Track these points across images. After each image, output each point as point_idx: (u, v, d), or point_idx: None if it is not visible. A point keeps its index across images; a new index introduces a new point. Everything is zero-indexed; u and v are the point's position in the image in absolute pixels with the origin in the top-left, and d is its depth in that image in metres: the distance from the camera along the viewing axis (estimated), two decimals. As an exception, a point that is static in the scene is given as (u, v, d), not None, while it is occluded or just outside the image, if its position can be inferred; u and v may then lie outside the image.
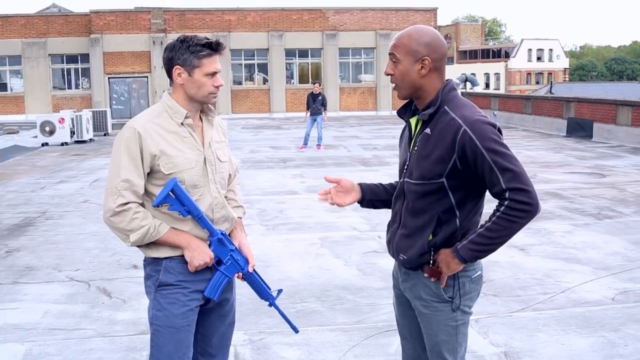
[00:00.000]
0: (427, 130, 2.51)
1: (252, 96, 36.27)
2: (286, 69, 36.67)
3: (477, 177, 2.44)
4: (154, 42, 34.12)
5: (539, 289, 5.86)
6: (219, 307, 2.92)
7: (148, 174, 2.67)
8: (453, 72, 59.95)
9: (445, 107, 2.49)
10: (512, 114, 26.34)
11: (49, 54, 34.42)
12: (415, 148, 2.55)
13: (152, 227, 2.64)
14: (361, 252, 7.15)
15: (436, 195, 2.50)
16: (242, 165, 14.99)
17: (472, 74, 49.17)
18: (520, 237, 7.73)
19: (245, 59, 36.32)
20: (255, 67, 36.88)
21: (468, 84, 38.91)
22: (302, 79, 36.75)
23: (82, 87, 35.48)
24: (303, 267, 6.68)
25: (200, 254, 2.71)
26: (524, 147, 18.07)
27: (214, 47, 2.69)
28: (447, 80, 2.57)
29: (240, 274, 2.88)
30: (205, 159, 2.77)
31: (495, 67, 76.84)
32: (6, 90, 35.29)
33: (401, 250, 2.60)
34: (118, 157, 2.64)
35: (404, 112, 2.68)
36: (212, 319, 2.94)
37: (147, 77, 34.62)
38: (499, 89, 71.84)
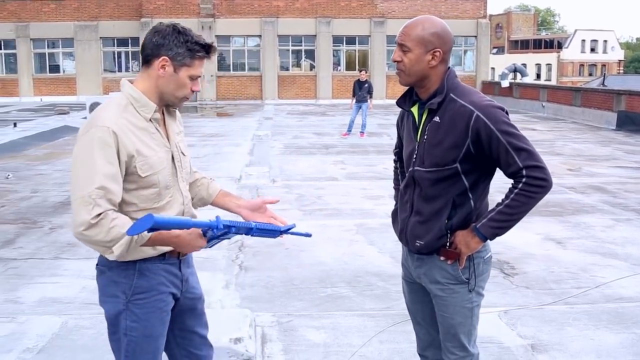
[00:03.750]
0: (436, 119, 2.56)
1: (299, 82, 36.33)
2: (333, 55, 36.62)
3: (490, 160, 2.51)
4: (202, 27, 34.39)
5: (572, 283, 5.79)
6: (192, 308, 2.72)
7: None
8: (504, 62, 58.89)
9: (452, 95, 2.55)
10: (560, 105, 25.82)
11: (100, 37, 35.05)
12: (425, 137, 2.59)
13: None
14: (395, 239, 7.04)
15: (450, 181, 2.56)
16: (285, 150, 15.09)
17: (523, 64, 48.40)
18: (558, 230, 7.65)
19: (292, 45, 36.35)
20: (303, 53, 36.91)
21: (518, 75, 38.32)
22: (349, 66, 36.65)
23: (132, 70, 36.04)
24: (336, 253, 6.72)
25: (190, 249, 2.48)
26: (571, 139, 17.73)
27: (209, 51, 2.48)
28: (448, 67, 2.61)
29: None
30: (172, 155, 2.53)
31: (547, 57, 75.27)
32: (59, 72, 36.13)
33: (417, 237, 2.65)
34: (90, 160, 2.29)
35: (404, 102, 2.72)
36: (188, 321, 2.72)
37: (195, 61, 34.98)
38: (550, 80, 70.41)
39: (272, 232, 2.57)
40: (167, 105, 2.57)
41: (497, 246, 6.63)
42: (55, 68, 36.17)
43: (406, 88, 2.70)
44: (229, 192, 2.85)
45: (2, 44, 35.57)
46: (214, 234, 2.39)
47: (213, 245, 2.50)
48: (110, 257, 2.37)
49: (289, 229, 2.62)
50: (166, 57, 2.40)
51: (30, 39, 35.24)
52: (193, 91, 2.50)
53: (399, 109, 2.79)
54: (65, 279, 5.86)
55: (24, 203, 9.15)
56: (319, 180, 11.25)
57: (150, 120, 2.45)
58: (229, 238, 2.50)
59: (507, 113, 2.51)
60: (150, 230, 2.21)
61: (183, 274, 2.61)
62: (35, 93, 35.39)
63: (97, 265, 2.53)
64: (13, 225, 7.87)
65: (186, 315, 2.69)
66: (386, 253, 6.65)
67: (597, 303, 5.29)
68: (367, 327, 4.76)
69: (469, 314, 2.66)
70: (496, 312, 4.99)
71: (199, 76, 2.49)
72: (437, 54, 2.53)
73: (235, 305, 5.22)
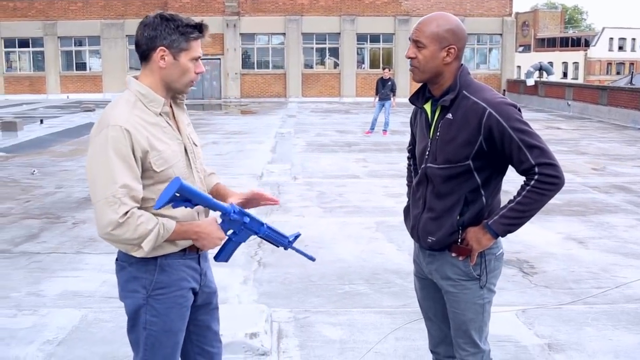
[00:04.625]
0: (449, 116, 2.56)
1: (323, 80, 36.37)
2: (357, 53, 36.58)
3: (502, 157, 2.51)
4: (227, 25, 34.60)
5: (592, 283, 5.74)
6: (208, 302, 2.73)
7: None
8: (530, 60, 58.37)
9: (465, 92, 2.54)
10: (586, 104, 25.53)
11: (126, 35, 35.35)
12: (438, 133, 2.59)
13: (161, 227, 2.36)
14: (415, 237, 7.12)
15: (463, 177, 2.56)
16: (307, 148, 15.12)
17: (550, 62, 47.85)
18: (580, 230, 7.58)
19: (316, 43, 36.37)
20: (327, 51, 36.91)
21: (544, 73, 37.93)
22: (374, 64, 36.57)
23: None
24: (356, 250, 6.74)
25: (210, 242, 2.48)
26: (597, 138, 17.54)
27: (202, 30, 2.47)
28: (461, 64, 2.61)
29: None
30: (185, 148, 2.54)
31: (574, 56, 74.45)
32: (85, 70, 36.61)
33: (429, 233, 2.65)
34: (107, 161, 2.30)
35: (417, 99, 2.73)
36: (203, 317, 2.73)
37: (219, 59, 35.17)
38: (577, 79, 69.58)
39: (281, 237, 2.63)
40: (174, 98, 2.58)
41: (517, 245, 6.60)
42: (81, 66, 36.65)
43: (419, 85, 2.71)
44: (225, 186, 2.80)
45: (30, 42, 36.13)
46: (231, 218, 2.45)
47: (229, 255, 2.59)
48: (138, 254, 2.38)
49: (296, 237, 2.66)
50: (163, 47, 2.41)
51: (58, 37, 35.78)
52: (197, 73, 2.50)
53: None
54: (87, 273, 5.95)
55: (49, 198, 9.29)
56: (340, 177, 11.26)
57: (160, 114, 2.46)
58: (244, 240, 2.57)
59: (519, 110, 2.51)
60: (174, 200, 2.27)
61: (202, 267, 2.64)
62: (62, 90, 35.92)
63: (117, 260, 2.54)
64: (37, 220, 7.99)
65: (201, 310, 2.70)
66: (405, 251, 6.64)
67: (617, 303, 5.24)
68: (384, 324, 4.77)
69: (480, 310, 2.67)
70: (514, 310, 4.97)
71: (199, 57, 2.49)
72: (452, 50, 2.53)
73: (252, 301, 5.25)
